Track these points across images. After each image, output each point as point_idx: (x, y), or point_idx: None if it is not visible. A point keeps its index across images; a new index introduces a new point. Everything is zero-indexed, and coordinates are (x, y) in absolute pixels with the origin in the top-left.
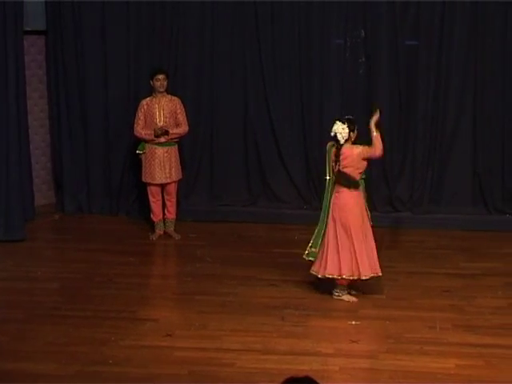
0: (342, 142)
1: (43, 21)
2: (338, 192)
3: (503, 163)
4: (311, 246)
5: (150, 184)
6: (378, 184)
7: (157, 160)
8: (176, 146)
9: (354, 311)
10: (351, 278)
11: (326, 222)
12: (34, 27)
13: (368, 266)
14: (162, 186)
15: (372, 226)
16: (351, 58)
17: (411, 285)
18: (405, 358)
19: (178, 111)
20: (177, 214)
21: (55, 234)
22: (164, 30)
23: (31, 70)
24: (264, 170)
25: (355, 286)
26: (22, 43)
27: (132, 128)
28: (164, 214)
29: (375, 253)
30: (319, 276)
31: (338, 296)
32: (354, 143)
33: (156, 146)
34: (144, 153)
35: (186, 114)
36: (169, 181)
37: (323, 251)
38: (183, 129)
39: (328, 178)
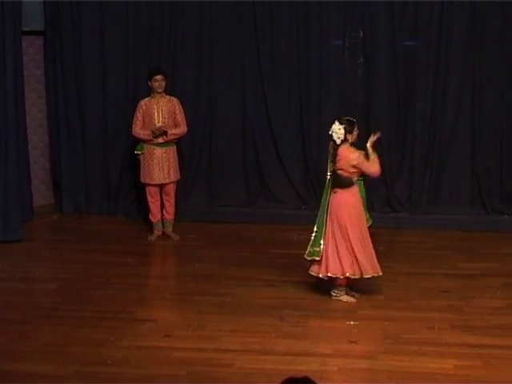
0: (337, 142)
1: (41, 21)
2: (335, 192)
3: (501, 163)
4: (313, 245)
5: (149, 184)
6: (376, 184)
7: (155, 160)
8: (174, 147)
9: (353, 312)
10: (354, 276)
11: (326, 221)
12: (33, 27)
13: (369, 265)
14: (161, 187)
15: (370, 227)
16: (350, 59)
17: (410, 285)
18: (403, 359)
19: (177, 112)
20: (175, 215)
21: (53, 235)
22: (162, 30)
23: (29, 71)
24: (262, 170)
25: (354, 287)
26: (20, 43)
27: (130, 128)
28: (162, 214)
29: (374, 252)
30: (321, 276)
31: (337, 296)
32: (352, 145)
33: (154, 147)
34: (142, 153)
35: (185, 115)
36: (167, 181)
37: (323, 251)
38: (182, 129)
39: (328, 176)
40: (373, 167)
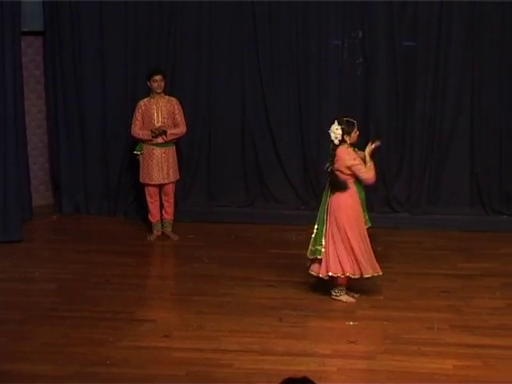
0: (335, 142)
1: (41, 21)
2: (333, 193)
3: (501, 163)
4: (314, 244)
5: (148, 185)
6: (376, 184)
7: (154, 161)
8: (174, 147)
9: (352, 312)
10: (354, 276)
11: (326, 220)
12: (32, 28)
13: (369, 265)
14: (160, 187)
15: (369, 228)
16: (349, 59)
17: (409, 285)
18: (402, 359)
19: (176, 112)
20: (174, 215)
21: (53, 235)
22: (162, 30)
23: (29, 71)
24: (261, 170)
25: (353, 287)
26: (19, 44)
27: (129, 129)
28: (162, 214)
29: (372, 251)
30: (321, 276)
31: (337, 296)
32: (352, 146)
33: (154, 147)
34: (142, 153)
35: (184, 115)
36: (166, 181)
37: (324, 251)
38: (181, 129)
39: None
40: (367, 173)
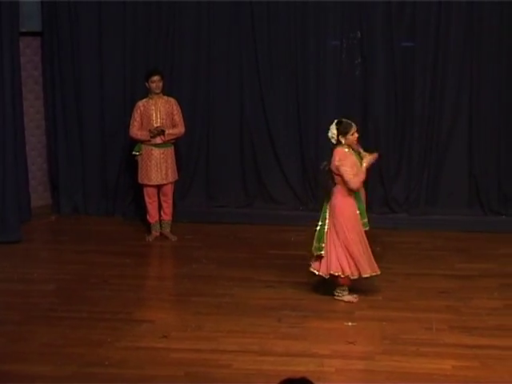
0: (332, 141)
1: (39, 22)
2: (333, 194)
3: (499, 164)
4: (317, 241)
5: (147, 185)
6: (374, 185)
7: (153, 161)
8: (172, 147)
9: (351, 312)
10: (353, 277)
11: (327, 219)
12: (30, 28)
13: (367, 265)
14: (158, 188)
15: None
16: (347, 59)
17: (407, 286)
18: (401, 359)
19: (175, 112)
20: (173, 216)
21: (51, 236)
22: (160, 30)
23: (27, 72)
24: (260, 170)
25: (352, 288)
26: (17, 44)
27: (128, 129)
28: (160, 215)
29: (370, 251)
30: (321, 274)
31: (339, 296)
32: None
33: (152, 147)
34: (140, 154)
35: (183, 115)
36: (165, 182)
37: (326, 249)
38: (179, 130)
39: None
40: (352, 177)
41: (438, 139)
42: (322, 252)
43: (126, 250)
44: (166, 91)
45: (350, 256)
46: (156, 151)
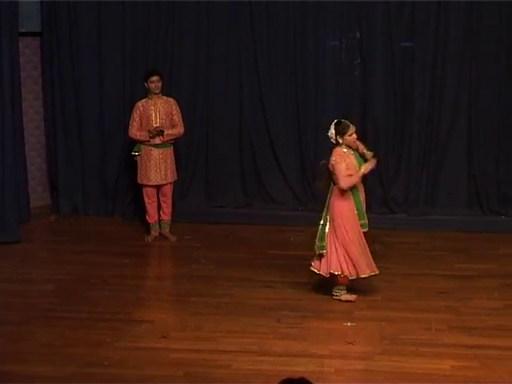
0: (331, 141)
1: (38, 22)
2: (332, 193)
3: (498, 164)
4: (320, 240)
5: (146, 185)
6: (374, 185)
7: (152, 161)
8: (171, 148)
9: (350, 313)
10: (351, 277)
11: (327, 219)
12: (29, 29)
13: (365, 265)
14: (158, 188)
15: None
16: (346, 60)
17: (407, 286)
18: (400, 360)
19: (174, 112)
20: (172, 216)
21: (50, 236)
22: (159, 30)
23: (26, 72)
24: (259, 170)
25: (351, 288)
26: (17, 45)
27: (127, 129)
28: (159, 215)
29: (369, 252)
30: (322, 274)
31: (337, 296)
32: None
33: (152, 148)
34: (139, 154)
35: (182, 115)
36: (164, 182)
37: (326, 249)
38: (178, 130)
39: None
40: (343, 178)
41: (437, 139)
42: (324, 251)
43: (126, 251)
44: (166, 91)
45: (349, 256)
46: (155, 151)
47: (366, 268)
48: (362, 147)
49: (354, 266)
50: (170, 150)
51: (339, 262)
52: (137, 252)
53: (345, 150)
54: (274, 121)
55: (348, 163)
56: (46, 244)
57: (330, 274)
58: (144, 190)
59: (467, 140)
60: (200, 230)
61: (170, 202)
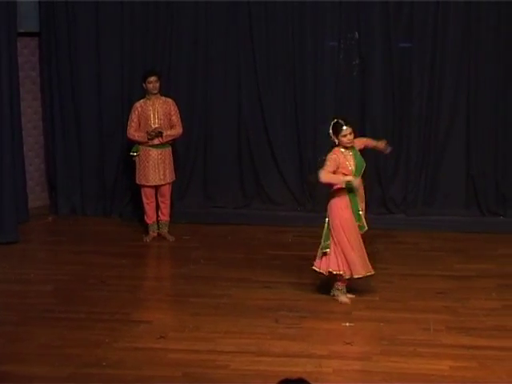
0: (332, 140)
1: (36, 22)
2: (329, 193)
3: (497, 164)
4: (325, 239)
5: (144, 186)
6: (372, 185)
7: (151, 162)
8: (170, 148)
9: (348, 313)
10: (345, 276)
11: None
12: (27, 29)
13: (360, 266)
14: (156, 188)
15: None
16: (345, 60)
17: (405, 286)
18: (399, 360)
19: (172, 113)
20: (170, 216)
21: (49, 236)
22: (158, 30)
23: (24, 72)
24: (257, 170)
25: (349, 288)
26: (15, 45)
27: (126, 129)
28: (158, 215)
29: (365, 253)
30: (322, 272)
31: (335, 296)
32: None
33: (150, 148)
34: (138, 155)
35: (180, 115)
36: (163, 183)
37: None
38: (177, 131)
39: None
40: (325, 172)
41: (435, 139)
42: (328, 250)
43: (124, 251)
44: (164, 91)
45: (344, 256)
46: (154, 152)
47: (361, 269)
48: (371, 143)
49: (348, 266)
50: (168, 151)
51: (336, 260)
52: (135, 252)
53: (342, 149)
54: (272, 121)
55: (339, 163)
56: (44, 244)
57: (329, 272)
58: (142, 190)
59: (465, 140)
60: (198, 230)
61: (168, 202)
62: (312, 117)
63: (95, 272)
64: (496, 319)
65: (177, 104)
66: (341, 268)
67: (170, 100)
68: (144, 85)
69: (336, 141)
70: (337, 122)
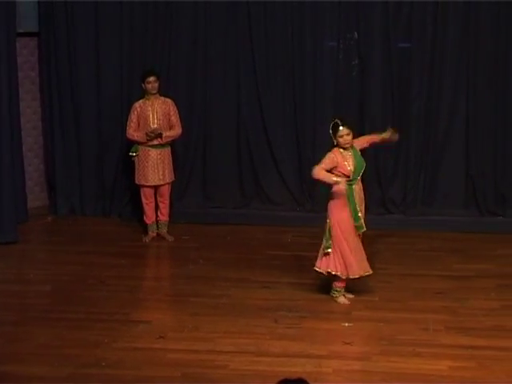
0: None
1: (36, 22)
2: (329, 193)
3: (496, 165)
4: (327, 239)
5: (143, 186)
6: (371, 185)
7: (150, 162)
8: (169, 148)
9: (347, 313)
10: (342, 276)
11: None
12: (27, 29)
13: (357, 266)
14: (155, 188)
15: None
16: (344, 60)
17: (404, 287)
18: (398, 360)
19: (172, 113)
20: (170, 216)
21: (48, 236)
22: (157, 30)
23: (24, 72)
24: (257, 170)
25: (348, 289)
26: (14, 45)
27: (125, 129)
28: (157, 216)
29: (364, 253)
30: (321, 271)
31: (335, 297)
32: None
33: (149, 148)
34: (137, 155)
35: (180, 116)
36: (162, 183)
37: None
38: (176, 131)
39: None
40: (320, 168)
41: (434, 139)
42: (330, 249)
43: (123, 251)
44: (163, 91)
45: (341, 256)
46: (153, 152)
47: (358, 269)
48: (376, 139)
49: (345, 266)
50: (167, 151)
51: (334, 261)
52: (134, 252)
53: (341, 150)
54: (271, 121)
55: (336, 162)
56: (43, 245)
57: (328, 273)
58: (141, 190)
59: (465, 140)
60: (197, 230)
61: (167, 202)
62: (311, 117)
63: (94, 272)
64: (495, 319)
65: (176, 104)
66: (338, 269)
67: (169, 100)
68: (143, 85)
69: (334, 141)
70: (335, 122)
